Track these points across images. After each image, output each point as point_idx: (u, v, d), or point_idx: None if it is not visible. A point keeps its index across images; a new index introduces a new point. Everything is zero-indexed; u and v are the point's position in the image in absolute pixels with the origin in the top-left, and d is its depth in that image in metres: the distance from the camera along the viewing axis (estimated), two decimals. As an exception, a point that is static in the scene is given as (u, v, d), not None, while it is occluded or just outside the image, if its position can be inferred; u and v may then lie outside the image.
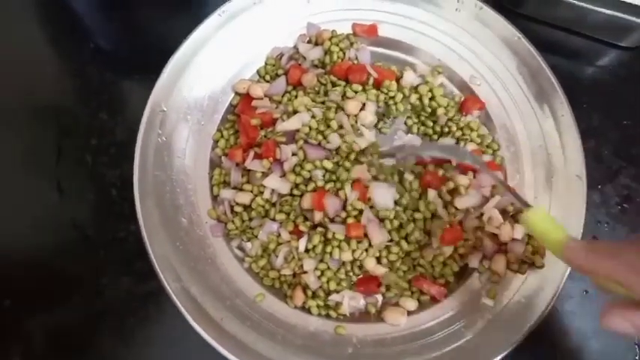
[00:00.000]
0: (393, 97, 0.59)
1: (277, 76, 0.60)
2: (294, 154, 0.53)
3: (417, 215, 0.53)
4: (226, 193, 0.55)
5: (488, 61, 0.60)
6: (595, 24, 0.65)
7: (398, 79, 0.60)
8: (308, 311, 0.52)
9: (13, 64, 0.65)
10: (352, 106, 0.56)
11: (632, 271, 0.31)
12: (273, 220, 0.53)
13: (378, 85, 0.59)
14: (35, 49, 0.66)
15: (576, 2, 0.63)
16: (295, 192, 0.53)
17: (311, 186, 0.52)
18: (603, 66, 0.68)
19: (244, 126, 0.55)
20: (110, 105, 0.62)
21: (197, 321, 0.47)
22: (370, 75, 0.59)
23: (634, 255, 0.32)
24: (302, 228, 0.52)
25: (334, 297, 0.52)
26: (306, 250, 0.52)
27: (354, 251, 0.52)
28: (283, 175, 0.53)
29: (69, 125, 0.61)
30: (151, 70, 0.54)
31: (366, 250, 0.52)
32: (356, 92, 0.58)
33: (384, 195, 0.52)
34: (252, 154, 0.54)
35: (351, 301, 0.52)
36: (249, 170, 0.55)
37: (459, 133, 0.58)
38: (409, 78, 0.60)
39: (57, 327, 0.54)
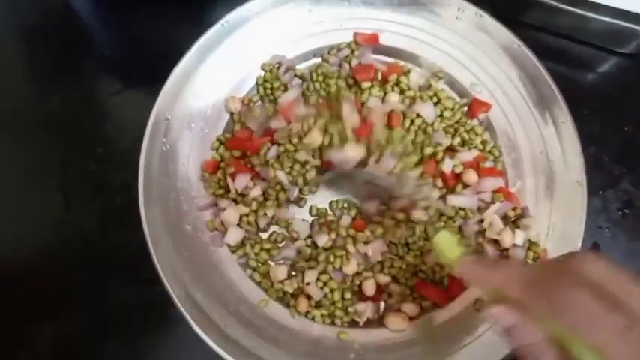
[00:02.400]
0: (404, 91, 0.60)
1: (277, 84, 0.60)
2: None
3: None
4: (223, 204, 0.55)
5: (489, 68, 0.61)
6: (596, 31, 0.65)
7: (405, 73, 0.61)
8: (312, 319, 0.53)
9: (17, 74, 0.66)
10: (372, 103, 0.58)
11: (505, 279, 0.36)
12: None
13: (385, 81, 0.60)
14: (40, 59, 0.67)
15: (577, 10, 0.63)
16: None
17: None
18: (603, 73, 0.68)
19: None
20: (115, 114, 0.63)
21: (201, 327, 0.47)
22: (378, 70, 0.60)
23: (505, 267, 0.38)
24: None
25: (357, 306, 0.52)
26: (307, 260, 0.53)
27: (359, 265, 0.52)
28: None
29: (74, 135, 0.62)
30: (156, 80, 0.55)
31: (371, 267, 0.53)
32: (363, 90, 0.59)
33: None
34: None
35: (366, 309, 0.52)
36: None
37: (466, 136, 0.58)
38: (415, 77, 0.61)
39: (63, 334, 0.55)
